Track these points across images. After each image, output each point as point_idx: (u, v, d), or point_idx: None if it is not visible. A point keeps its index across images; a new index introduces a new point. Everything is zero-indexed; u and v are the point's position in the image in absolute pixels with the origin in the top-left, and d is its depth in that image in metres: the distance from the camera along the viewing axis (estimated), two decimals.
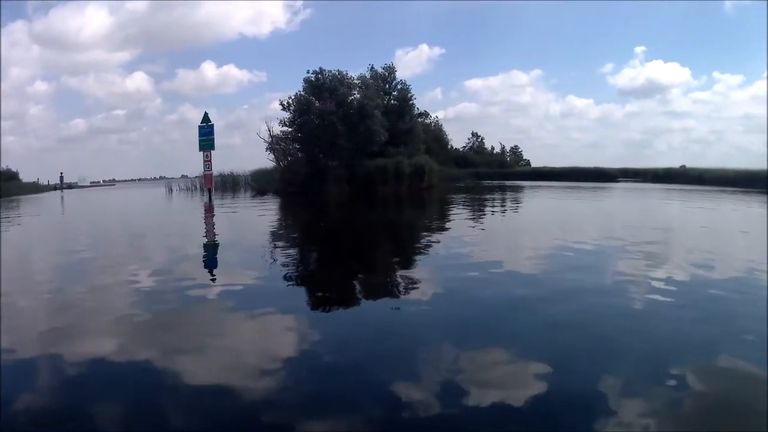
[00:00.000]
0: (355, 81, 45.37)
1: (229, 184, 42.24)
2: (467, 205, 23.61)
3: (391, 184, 32.50)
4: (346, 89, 34.53)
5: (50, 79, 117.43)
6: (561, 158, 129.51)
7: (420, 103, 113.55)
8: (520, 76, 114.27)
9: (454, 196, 29.81)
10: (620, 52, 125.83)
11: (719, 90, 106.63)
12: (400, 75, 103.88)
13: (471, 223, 16.30)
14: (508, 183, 51.08)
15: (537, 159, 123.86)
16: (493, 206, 21.64)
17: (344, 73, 35.71)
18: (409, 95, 46.94)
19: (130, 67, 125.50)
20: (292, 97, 35.09)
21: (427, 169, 34.09)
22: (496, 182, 52.54)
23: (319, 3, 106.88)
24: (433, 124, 59.39)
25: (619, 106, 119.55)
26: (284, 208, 23.84)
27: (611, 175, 60.62)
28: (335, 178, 32.94)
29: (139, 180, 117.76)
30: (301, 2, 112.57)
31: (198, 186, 41.38)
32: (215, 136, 29.56)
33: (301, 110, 34.82)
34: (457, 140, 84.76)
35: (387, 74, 46.71)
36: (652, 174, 64.80)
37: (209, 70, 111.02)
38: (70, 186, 71.20)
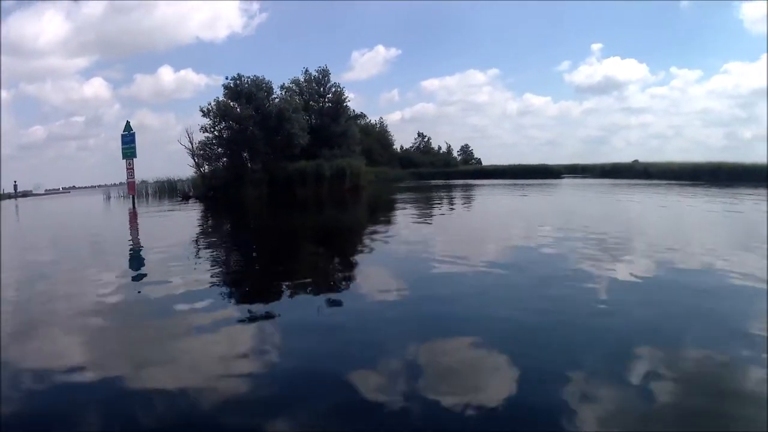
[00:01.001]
0: (289, 84, 45.65)
1: (165, 190, 41.49)
2: (375, 207, 23.66)
3: (311, 187, 32.13)
4: (264, 94, 34.09)
5: (8, 86, 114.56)
6: (519, 156, 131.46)
7: (377, 104, 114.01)
8: (476, 76, 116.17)
9: (378, 197, 29.93)
10: (577, 49, 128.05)
11: (677, 85, 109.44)
12: (356, 77, 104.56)
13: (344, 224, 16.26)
14: (448, 182, 51.10)
15: (495, 157, 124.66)
16: (404, 208, 21.32)
17: (262, 78, 35.26)
18: (344, 97, 47.00)
19: (87, 73, 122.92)
20: (212, 104, 34.61)
21: (350, 171, 33.70)
22: (433, 182, 52.53)
23: (275, 7, 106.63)
24: (377, 126, 59.67)
25: (577, 103, 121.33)
26: (188, 214, 23.24)
27: (556, 171, 61.15)
28: (254, 182, 32.61)
29: (98, 186, 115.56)
30: (258, 6, 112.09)
31: (145, 192, 40.54)
32: (137, 144, 29.30)
33: (220, 116, 34.47)
34: (413, 140, 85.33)
35: (321, 77, 46.64)
36: (600, 169, 65.62)
37: (166, 74, 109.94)
38: (25, 194, 69.35)
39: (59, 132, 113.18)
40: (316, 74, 46.52)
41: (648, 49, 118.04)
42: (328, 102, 46.23)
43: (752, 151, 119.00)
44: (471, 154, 74.25)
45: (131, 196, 31.15)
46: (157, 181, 41.08)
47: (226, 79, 35.22)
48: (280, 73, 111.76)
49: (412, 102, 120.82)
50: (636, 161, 69.91)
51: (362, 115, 55.14)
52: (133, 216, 22.38)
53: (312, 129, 45.92)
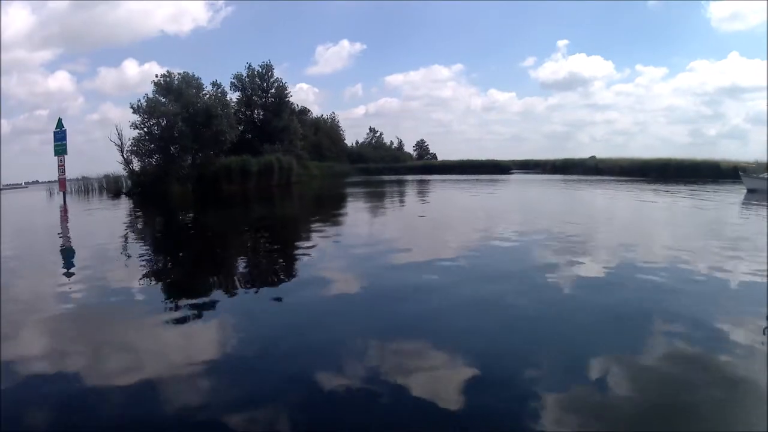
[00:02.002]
0: (232, 80, 45.72)
1: (111, 186, 41.22)
2: (291, 203, 24.10)
3: (237, 183, 32.34)
4: (193, 91, 34.12)
5: None
6: (482, 151, 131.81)
7: (341, 99, 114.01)
8: (441, 71, 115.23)
9: (309, 192, 30.45)
10: (542, 45, 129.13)
11: (642, 82, 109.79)
12: (320, 71, 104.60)
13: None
14: (392, 178, 51.66)
15: (459, 152, 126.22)
16: (322, 204, 21.79)
17: (191, 74, 35.25)
18: (286, 92, 47.16)
19: (52, 67, 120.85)
20: (142, 100, 34.53)
21: (278, 166, 33.86)
22: (379, 178, 53.06)
23: (240, 1, 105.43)
24: (329, 121, 59.86)
25: (542, 99, 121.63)
26: (104, 213, 23.25)
27: (505, 167, 61.92)
28: (181, 179, 32.70)
29: (81, 179, 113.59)
30: (223, 0, 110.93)
31: (85, 188, 40.14)
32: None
33: (150, 113, 34.35)
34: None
35: (264, 72, 46.74)
36: (551, 165, 66.65)
37: (131, 68, 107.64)
38: None
39: (23, 126, 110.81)
40: (260, 69, 46.73)
41: (614, 46, 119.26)
42: (271, 97, 46.46)
43: (717, 147, 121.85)
44: (426, 149, 74.95)
45: (62, 192, 30.81)
46: (105, 176, 40.65)
47: (156, 77, 35.16)
48: (244, 66, 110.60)
49: (376, 97, 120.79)
50: (593, 157, 71.10)
51: (306, 111, 55.26)
52: (64, 213, 21.96)
53: (255, 124, 46.28)
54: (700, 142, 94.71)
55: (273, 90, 46.58)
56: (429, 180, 45.10)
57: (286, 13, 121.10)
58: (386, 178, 51.17)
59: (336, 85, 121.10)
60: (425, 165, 63.77)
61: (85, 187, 40.94)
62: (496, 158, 64.01)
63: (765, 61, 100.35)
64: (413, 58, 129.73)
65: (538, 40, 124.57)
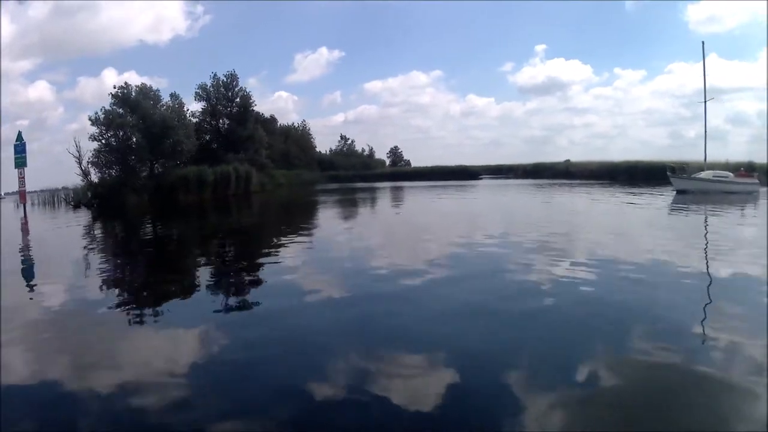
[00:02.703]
0: (197, 90, 46.01)
1: (62, 198, 41.25)
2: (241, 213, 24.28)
3: (194, 193, 32.52)
4: (150, 102, 34.41)
5: None
6: (461, 157, 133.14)
7: (319, 106, 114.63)
8: (419, 77, 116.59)
9: (270, 201, 30.68)
10: (520, 50, 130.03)
11: (620, 86, 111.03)
12: (299, 79, 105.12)
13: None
14: (360, 185, 51.95)
15: (437, 158, 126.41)
16: (271, 213, 22.07)
17: (149, 86, 35.61)
18: (251, 101, 47.56)
19: (31, 76, 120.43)
20: (100, 112, 34.76)
21: (235, 176, 34.08)
22: (347, 185, 53.24)
23: (219, 9, 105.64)
24: (300, 129, 60.21)
25: (520, 103, 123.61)
26: (53, 225, 23.36)
27: (475, 172, 62.50)
28: (137, 190, 32.84)
29: (41, 191, 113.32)
30: (202, 9, 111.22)
31: (51, 199, 40.03)
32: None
33: (107, 125, 34.58)
34: (359, 141, 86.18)
35: (229, 82, 47.13)
36: (522, 169, 67.36)
37: (110, 77, 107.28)
38: None
39: (5, 136, 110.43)
40: (225, 79, 47.13)
41: (592, 50, 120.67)
42: (236, 107, 46.79)
43: (696, 149, 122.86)
44: (400, 156, 75.55)
45: (23, 204, 30.85)
46: (63, 188, 40.65)
47: (114, 88, 35.44)
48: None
49: (355, 104, 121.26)
50: (567, 161, 71.93)
51: (273, 119, 55.57)
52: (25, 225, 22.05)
53: (220, 133, 46.56)
54: (680, 144, 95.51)
55: (238, 99, 47.02)
56: (395, 187, 45.55)
57: (264, 21, 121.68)
58: (350, 185, 51.49)
59: (315, 93, 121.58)
60: (394, 172, 64.31)
61: (51, 198, 41.03)
62: (468, 164, 64.87)
63: (743, 63, 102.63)
64: (392, 64, 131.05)
65: (516, 45, 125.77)
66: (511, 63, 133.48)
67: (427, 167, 63.71)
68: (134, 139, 34.01)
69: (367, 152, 72.42)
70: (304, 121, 63.30)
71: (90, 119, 35.02)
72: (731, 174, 30.24)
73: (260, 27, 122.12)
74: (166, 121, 34.08)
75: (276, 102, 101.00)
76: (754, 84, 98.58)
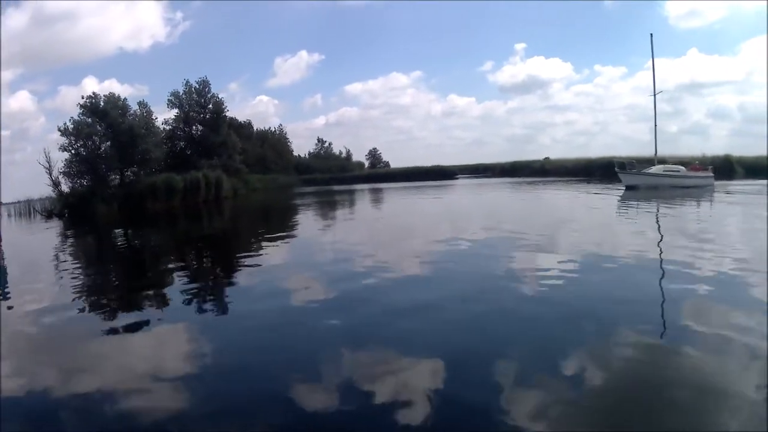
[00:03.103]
0: (170, 97, 46.19)
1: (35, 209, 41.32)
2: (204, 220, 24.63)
3: (163, 201, 32.79)
4: (118, 112, 34.66)
5: None
6: (444, 157, 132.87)
7: (300, 110, 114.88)
8: (400, 78, 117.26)
9: (242, 207, 30.98)
10: (500, 49, 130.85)
11: (601, 82, 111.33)
12: (279, 83, 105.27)
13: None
14: (335, 188, 52.45)
15: (419, 159, 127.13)
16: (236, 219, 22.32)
17: (116, 95, 35.85)
18: (223, 107, 47.87)
19: (12, 87, 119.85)
20: (69, 122, 34.96)
21: (204, 182, 34.44)
22: (323, 188, 53.76)
23: (198, 15, 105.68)
24: (276, 133, 60.54)
25: (501, 102, 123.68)
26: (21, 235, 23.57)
27: (451, 172, 63.14)
28: (107, 198, 33.05)
29: (24, 201, 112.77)
30: (181, 15, 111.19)
31: (27, 210, 40.04)
32: None
33: (77, 135, 34.79)
34: (338, 145, 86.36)
35: (202, 88, 47.36)
36: (500, 168, 68.09)
37: (91, 85, 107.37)
38: None
39: None
40: (197, 86, 47.35)
41: (572, 47, 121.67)
42: (209, 113, 47.04)
43: (678, 144, 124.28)
44: (379, 158, 76.02)
45: None
46: (29, 199, 40.71)
47: (82, 98, 35.64)
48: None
49: (336, 106, 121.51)
50: (547, 159, 72.70)
51: (247, 124, 55.87)
52: None
53: (193, 140, 46.79)
54: (662, 138, 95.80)
55: (210, 105, 47.27)
56: (370, 189, 46.08)
57: (243, 26, 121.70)
58: (325, 189, 52.00)
59: (295, 96, 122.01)
60: (371, 174, 64.75)
61: (27, 209, 41.12)
62: (451, 164, 65.63)
63: (724, 57, 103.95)
64: (372, 66, 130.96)
65: (496, 44, 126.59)
66: (491, 62, 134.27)
67: (402, 168, 64.33)
68: (103, 149, 34.25)
69: (344, 155, 72.96)
70: (281, 125, 63.91)
71: (59, 130, 35.28)
72: (683, 168, 30.55)
73: (240, 32, 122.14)
74: (134, 130, 34.37)
75: (257, 106, 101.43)
76: (734, 78, 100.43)
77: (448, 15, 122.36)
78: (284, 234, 16.24)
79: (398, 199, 31.46)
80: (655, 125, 32.52)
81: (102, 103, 35.37)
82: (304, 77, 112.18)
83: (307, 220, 20.87)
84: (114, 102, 35.66)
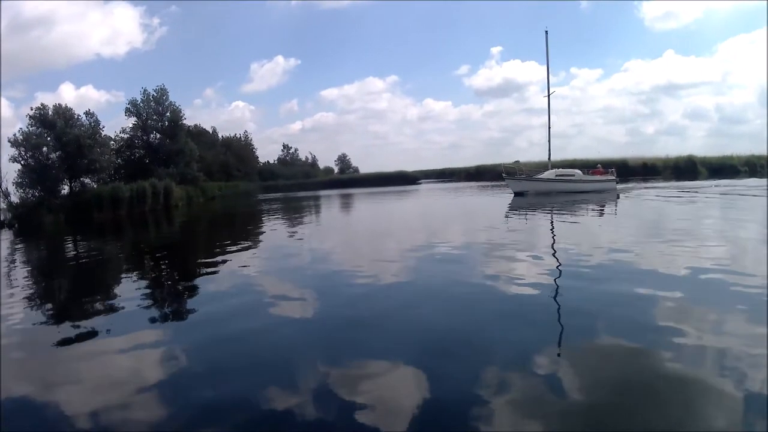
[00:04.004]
0: (128, 106, 46.74)
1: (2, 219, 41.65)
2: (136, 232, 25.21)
3: (109, 211, 33.38)
4: (63, 122, 35.25)
5: None
6: (421, 161, 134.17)
7: (277, 115, 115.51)
8: (375, 83, 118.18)
9: (190, 216, 31.59)
10: (476, 53, 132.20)
11: (577, 85, 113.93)
12: (255, 88, 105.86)
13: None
14: (293, 195, 52.95)
15: (396, 163, 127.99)
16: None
17: (64, 106, 36.51)
18: (181, 115, 48.50)
19: None
20: (18, 133, 35.54)
21: (151, 191, 35.10)
22: (282, 195, 53.87)
23: (174, 21, 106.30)
24: (242, 140, 61.16)
25: (477, 106, 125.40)
26: None
27: (414, 177, 64.08)
28: (54, 209, 33.59)
29: None
30: (157, 21, 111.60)
31: None
32: None
33: (26, 146, 35.35)
34: (315, 150, 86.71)
35: (159, 96, 47.92)
36: (465, 173, 69.11)
37: (67, 92, 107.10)
38: None
39: None
40: (155, 94, 47.94)
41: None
42: (167, 121, 47.65)
43: (655, 145, 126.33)
44: (348, 163, 76.83)
45: None
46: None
47: (31, 109, 36.21)
48: (180, 87, 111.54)
49: (312, 112, 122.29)
50: (517, 162, 73.62)
51: (206, 132, 56.44)
52: None
53: (151, 148, 47.38)
54: (639, 140, 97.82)
55: (168, 114, 47.86)
56: (323, 196, 46.81)
57: (219, 31, 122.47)
58: (284, 196, 52.45)
59: (272, 102, 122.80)
60: (333, 180, 65.58)
61: None
62: (423, 168, 66.87)
63: (700, 58, 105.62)
64: (347, 71, 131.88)
65: (472, 48, 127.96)
66: (467, 66, 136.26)
67: (366, 174, 65.15)
68: (51, 159, 34.84)
69: (310, 160, 73.70)
70: (246, 131, 64.50)
71: (9, 141, 35.83)
72: (579, 172, 30.13)
73: (216, 37, 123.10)
74: (80, 140, 34.92)
75: (233, 112, 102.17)
76: (711, 78, 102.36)
77: (423, 19, 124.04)
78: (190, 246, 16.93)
79: (334, 208, 32.17)
80: (549, 127, 32.27)
81: (50, 114, 35.99)
82: (281, 82, 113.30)
83: (235, 231, 21.26)
84: (61, 112, 36.26)
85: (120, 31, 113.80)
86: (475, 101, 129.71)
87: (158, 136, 47.43)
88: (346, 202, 35.74)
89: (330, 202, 37.79)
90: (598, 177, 29.49)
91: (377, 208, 30.24)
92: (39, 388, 4.62)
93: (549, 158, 31.85)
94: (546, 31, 32.75)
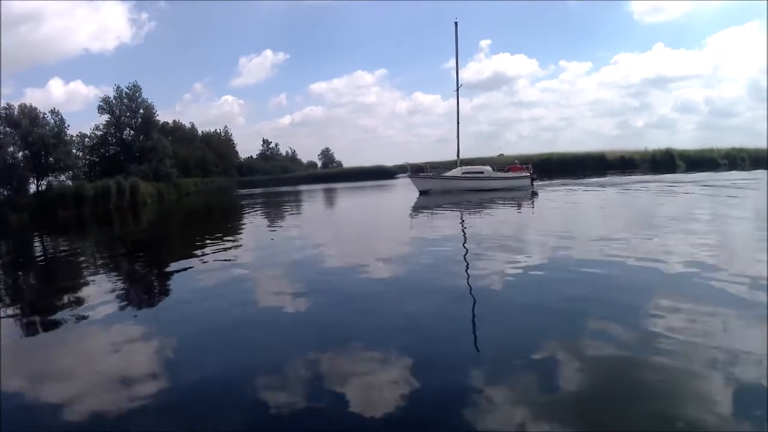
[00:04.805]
0: (101, 103, 47.15)
1: None
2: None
3: (72, 209, 33.93)
4: (28, 122, 35.73)
5: None
6: (410, 154, 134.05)
7: (266, 109, 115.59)
8: (364, 77, 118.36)
9: (157, 214, 31.98)
10: (465, 46, 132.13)
11: (566, 78, 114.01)
12: (244, 83, 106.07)
13: None
14: (273, 190, 53.48)
15: (387, 158, 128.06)
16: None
17: (29, 105, 37.05)
18: (154, 112, 48.94)
19: None
20: None
21: (116, 189, 35.61)
22: (256, 190, 54.24)
23: (163, 16, 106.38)
24: (221, 135, 61.50)
25: (467, 99, 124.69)
26: None
27: (392, 171, 64.25)
28: (19, 208, 34.11)
29: None
30: (146, 15, 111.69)
31: None
32: None
33: None
34: (305, 144, 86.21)
35: (133, 93, 48.35)
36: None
37: (56, 87, 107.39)
38: None
39: None
40: (128, 91, 48.33)
41: (537, 43, 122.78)
42: (139, 118, 48.10)
43: (644, 138, 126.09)
44: (331, 157, 77.07)
45: None
46: None
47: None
48: (169, 81, 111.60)
49: (301, 106, 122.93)
50: (501, 155, 73.77)
51: (182, 128, 56.80)
52: None
53: (125, 145, 47.87)
54: (628, 133, 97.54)
55: (141, 111, 48.29)
56: (299, 191, 47.23)
57: (208, 26, 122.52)
58: (260, 191, 52.94)
59: (261, 96, 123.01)
60: (313, 175, 65.77)
61: None
62: (384, 164, 66.45)
63: (689, 51, 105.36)
64: (336, 65, 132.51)
65: (461, 41, 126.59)
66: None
67: (346, 169, 65.52)
68: (16, 158, 35.39)
69: (290, 155, 74.02)
70: (226, 126, 64.79)
71: None
72: (489, 168, 29.31)
73: (205, 32, 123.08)
74: (44, 139, 35.43)
75: (222, 106, 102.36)
76: (701, 72, 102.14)
77: (412, 12, 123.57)
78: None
79: (304, 204, 32.46)
80: (458, 123, 31.69)
81: (16, 113, 36.49)
82: (269, 76, 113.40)
83: (198, 228, 21.32)
84: (27, 112, 36.75)
85: (108, 26, 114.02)
86: (464, 94, 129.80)
87: (131, 132, 47.94)
88: (295, 201, 36.05)
89: (282, 198, 38.11)
90: (510, 174, 28.77)
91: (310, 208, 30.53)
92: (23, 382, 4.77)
93: (458, 155, 31.22)
94: (455, 23, 31.46)
